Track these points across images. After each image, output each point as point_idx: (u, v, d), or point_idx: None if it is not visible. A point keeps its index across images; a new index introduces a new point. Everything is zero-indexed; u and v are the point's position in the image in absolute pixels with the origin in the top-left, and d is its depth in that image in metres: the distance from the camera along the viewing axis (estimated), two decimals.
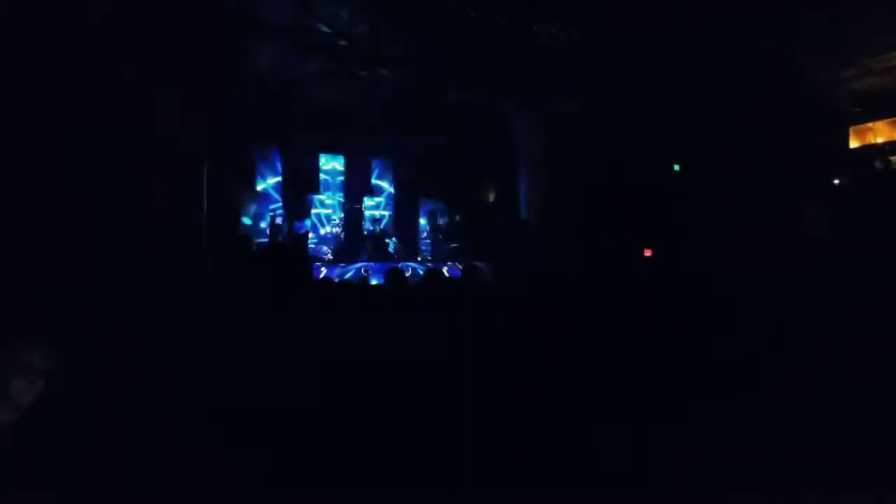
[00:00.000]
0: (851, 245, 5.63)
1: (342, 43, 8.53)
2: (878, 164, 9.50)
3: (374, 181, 13.38)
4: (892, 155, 9.51)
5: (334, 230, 12.70)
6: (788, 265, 5.32)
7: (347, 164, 13.02)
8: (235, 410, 2.30)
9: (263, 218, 11.66)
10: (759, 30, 7.52)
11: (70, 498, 1.84)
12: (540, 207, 10.97)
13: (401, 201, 13.49)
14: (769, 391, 2.50)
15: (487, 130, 11.71)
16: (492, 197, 12.96)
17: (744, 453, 2.10)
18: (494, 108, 11.32)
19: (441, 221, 13.29)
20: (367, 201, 13.06)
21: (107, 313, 2.05)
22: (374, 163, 13.38)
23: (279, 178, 12.17)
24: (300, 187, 12.25)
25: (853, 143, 10.08)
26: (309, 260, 9.43)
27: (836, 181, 9.27)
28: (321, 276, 9.62)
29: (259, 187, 11.84)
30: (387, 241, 12.32)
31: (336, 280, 9.55)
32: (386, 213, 13.31)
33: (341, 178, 13.01)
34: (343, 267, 10.67)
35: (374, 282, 9.85)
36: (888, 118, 9.76)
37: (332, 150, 12.80)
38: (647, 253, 8.67)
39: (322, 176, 12.81)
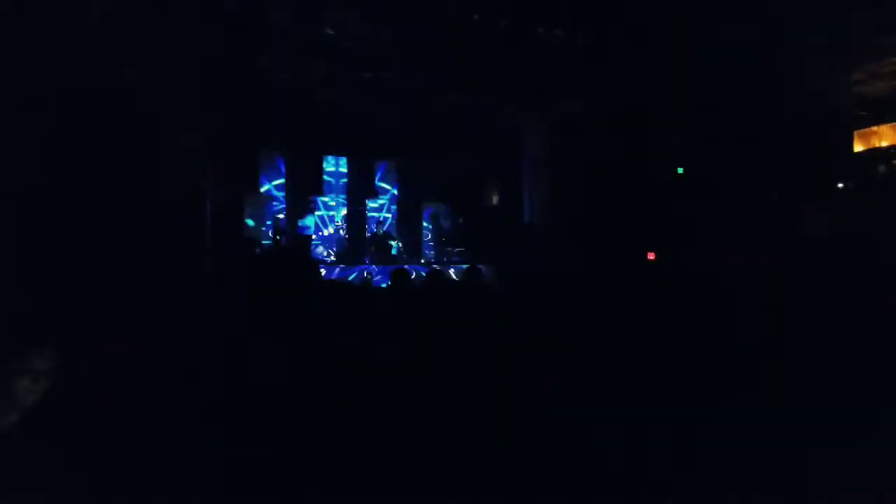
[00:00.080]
0: (851, 245, 5.61)
1: (345, 44, 8.55)
2: (882, 167, 9.48)
3: (377, 183, 13.38)
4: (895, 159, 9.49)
5: (338, 232, 12.71)
6: (789, 265, 5.30)
7: (350, 166, 13.04)
8: (235, 410, 2.31)
9: (267, 220, 11.67)
10: (762, 31, 7.51)
11: (70, 498, 1.85)
12: (542, 208, 10.97)
13: (404, 203, 13.49)
14: (769, 391, 2.49)
15: (489, 132, 11.71)
16: (494, 198, 12.95)
17: (744, 453, 2.10)
18: (496, 110, 11.33)
19: (444, 223, 13.29)
20: (371, 203, 13.07)
21: (107, 313, 2.05)
22: (378, 165, 13.40)
23: (282, 180, 12.20)
24: (304, 189, 12.27)
25: (857, 147, 10.03)
26: (312, 262, 9.44)
27: (840, 184, 9.23)
28: (329, 275, 9.65)
29: (262, 189, 11.87)
30: (390, 242, 12.31)
31: (339, 281, 9.56)
32: (389, 215, 13.31)
33: (345, 180, 13.03)
34: (346, 269, 10.67)
35: (377, 283, 9.86)
36: (892, 122, 9.73)
37: (335, 151, 12.82)
38: (651, 256, 8.66)
39: (325, 178, 12.83)
